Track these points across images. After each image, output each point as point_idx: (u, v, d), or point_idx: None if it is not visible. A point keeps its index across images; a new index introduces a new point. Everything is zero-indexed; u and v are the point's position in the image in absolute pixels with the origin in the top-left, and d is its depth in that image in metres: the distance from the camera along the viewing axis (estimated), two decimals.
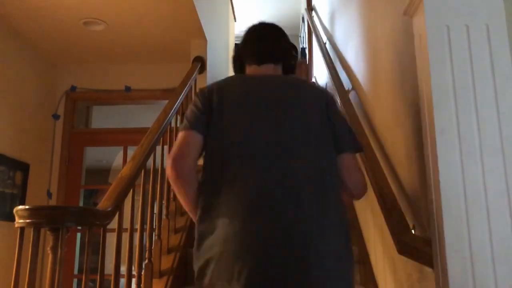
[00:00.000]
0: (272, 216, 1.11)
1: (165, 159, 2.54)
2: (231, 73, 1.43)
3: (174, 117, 2.68)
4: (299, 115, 1.26)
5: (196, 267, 1.16)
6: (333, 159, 1.26)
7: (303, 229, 1.10)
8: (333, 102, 1.36)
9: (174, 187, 1.25)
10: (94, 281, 3.47)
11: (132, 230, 1.99)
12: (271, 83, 1.34)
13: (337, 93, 2.83)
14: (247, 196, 1.14)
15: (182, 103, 2.86)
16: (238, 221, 1.11)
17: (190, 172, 1.22)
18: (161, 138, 2.40)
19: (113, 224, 1.73)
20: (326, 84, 4.32)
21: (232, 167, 1.19)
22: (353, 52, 2.83)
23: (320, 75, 5.11)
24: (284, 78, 1.41)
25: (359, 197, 1.36)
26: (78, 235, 3.76)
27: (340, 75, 3.13)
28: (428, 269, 1.32)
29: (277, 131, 1.23)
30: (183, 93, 2.83)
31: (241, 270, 1.06)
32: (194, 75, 3.17)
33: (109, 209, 1.63)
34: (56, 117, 3.93)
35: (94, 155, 6.52)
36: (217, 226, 1.13)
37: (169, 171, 1.21)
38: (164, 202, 2.52)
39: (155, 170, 2.25)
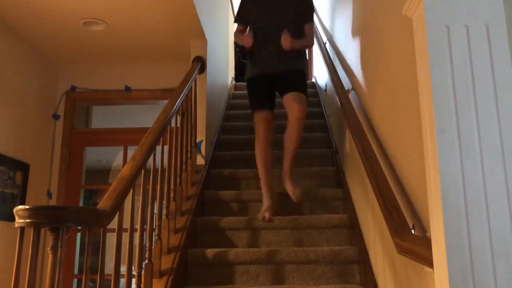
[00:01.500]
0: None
1: (165, 159, 2.54)
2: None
3: (174, 117, 2.68)
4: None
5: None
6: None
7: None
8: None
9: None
10: (94, 281, 3.48)
11: (132, 230, 1.99)
12: None
13: (336, 93, 2.84)
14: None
15: (182, 103, 2.86)
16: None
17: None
18: (161, 138, 2.40)
19: (113, 224, 1.73)
20: (326, 84, 4.32)
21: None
22: (353, 51, 2.83)
23: (320, 75, 5.11)
24: None
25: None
26: (78, 235, 3.76)
27: (340, 75, 3.13)
28: (428, 269, 1.32)
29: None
30: (183, 93, 2.83)
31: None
32: (194, 75, 3.17)
33: (109, 209, 1.63)
34: (56, 117, 3.93)
35: (94, 155, 6.52)
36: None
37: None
38: (164, 202, 2.52)
39: (155, 170, 2.25)
